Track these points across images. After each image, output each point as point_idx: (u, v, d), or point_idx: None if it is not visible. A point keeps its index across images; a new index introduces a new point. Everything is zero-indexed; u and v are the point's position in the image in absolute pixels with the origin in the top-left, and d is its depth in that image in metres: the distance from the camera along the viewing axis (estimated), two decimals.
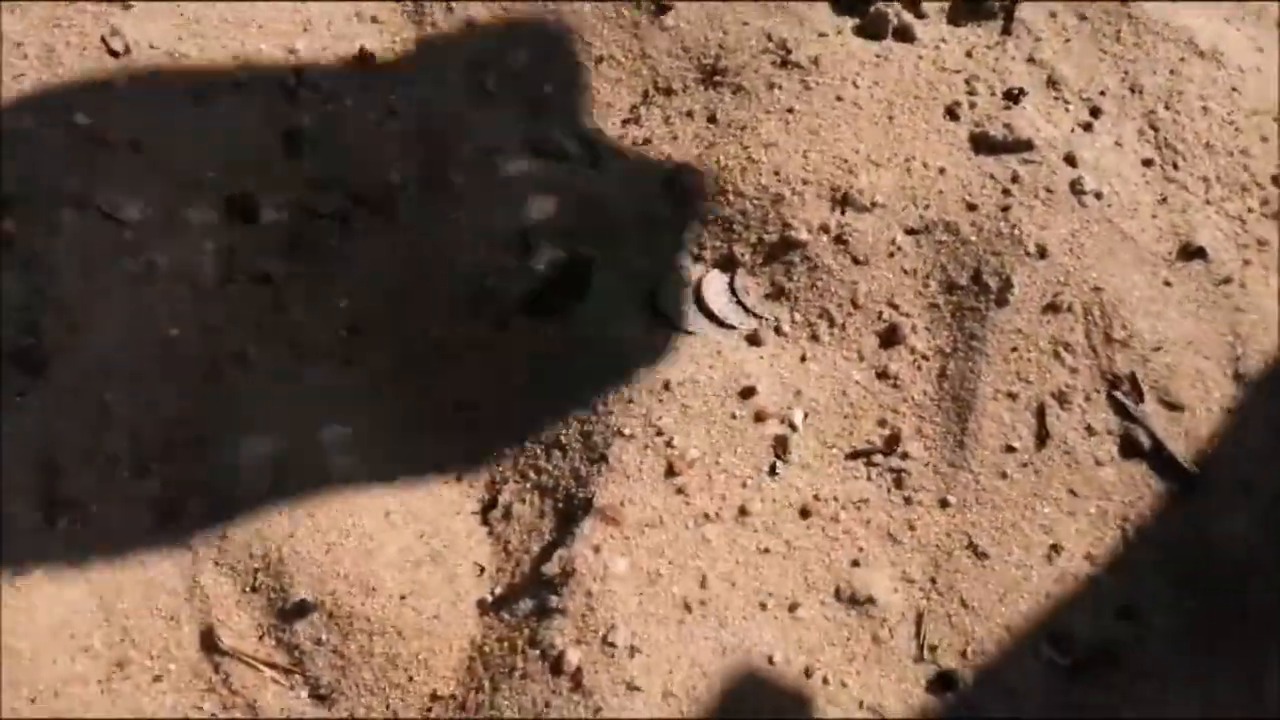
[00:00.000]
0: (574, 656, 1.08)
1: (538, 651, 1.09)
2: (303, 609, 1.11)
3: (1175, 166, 1.48)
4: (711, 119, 1.44)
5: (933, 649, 1.19)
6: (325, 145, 1.39)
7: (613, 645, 1.09)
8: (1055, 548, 1.25)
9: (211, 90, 1.38)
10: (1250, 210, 1.47)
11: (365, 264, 1.33)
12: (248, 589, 1.13)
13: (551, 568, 1.12)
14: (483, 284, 1.32)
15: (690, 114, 1.45)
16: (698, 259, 1.37)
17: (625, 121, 1.47)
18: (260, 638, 1.11)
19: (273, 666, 1.10)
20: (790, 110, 1.43)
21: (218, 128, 1.37)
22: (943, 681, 1.17)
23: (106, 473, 1.17)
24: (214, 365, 1.25)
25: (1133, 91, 1.51)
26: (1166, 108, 1.50)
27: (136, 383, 1.22)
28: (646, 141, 1.44)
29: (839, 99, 1.44)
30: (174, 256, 1.28)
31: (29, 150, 1.29)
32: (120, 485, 1.17)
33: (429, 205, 1.36)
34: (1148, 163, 1.47)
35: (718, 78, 1.47)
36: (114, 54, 1.35)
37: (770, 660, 1.14)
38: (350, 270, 1.33)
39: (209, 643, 1.10)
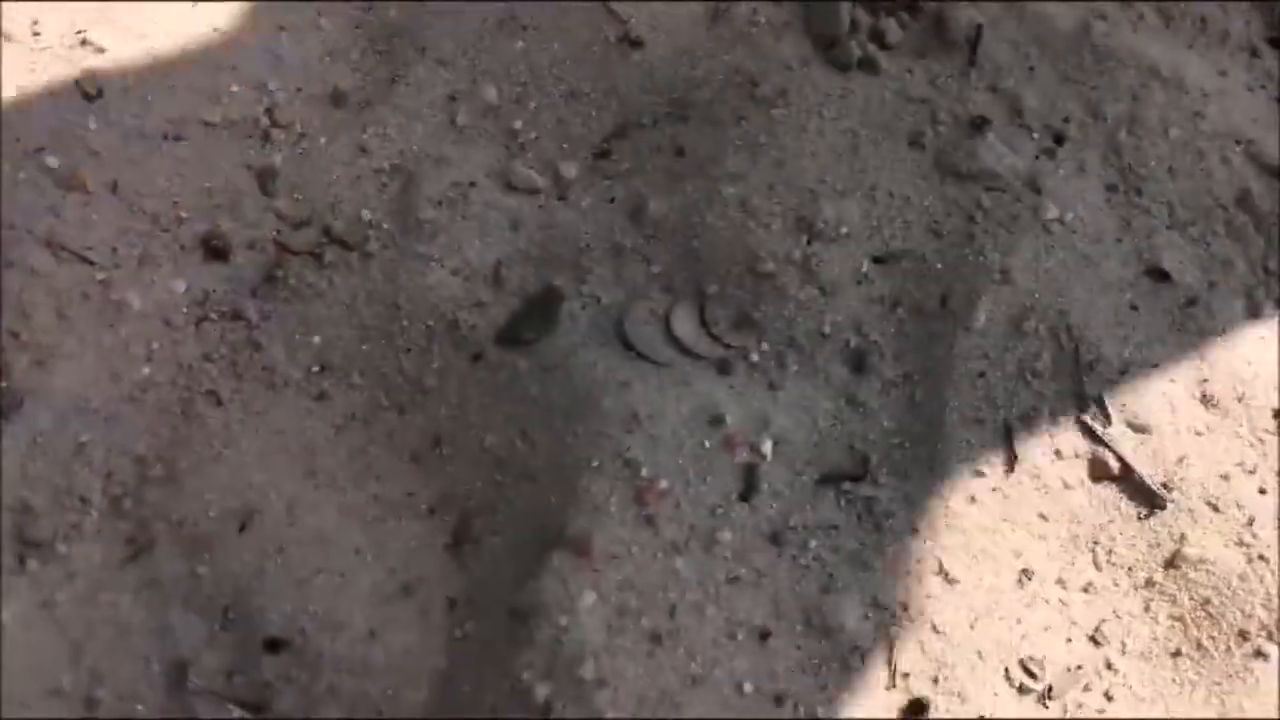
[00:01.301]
0: (542, 690, 1.08)
1: (507, 685, 1.09)
2: (272, 646, 1.11)
3: (1139, 192, 1.50)
4: (680, 152, 1.46)
5: (904, 676, 1.19)
6: (298, 183, 1.41)
7: (581, 679, 1.09)
8: (1026, 572, 1.26)
9: (185, 131, 1.39)
10: (1214, 233, 1.49)
11: (339, 300, 1.34)
12: (217, 628, 1.13)
13: (521, 600, 1.13)
14: (455, 317, 1.33)
15: (659, 148, 1.47)
16: (666, 289, 1.38)
17: (596, 155, 1.49)
18: (229, 676, 1.11)
19: (242, 705, 1.10)
20: (757, 143, 1.45)
21: (191, 167, 1.39)
22: (915, 708, 1.18)
23: (78, 513, 1.18)
24: (188, 403, 1.26)
25: (1095, 118, 1.53)
26: (1129, 133, 1.53)
27: (110, 422, 1.22)
28: (616, 175, 1.46)
29: (804, 130, 1.46)
30: (147, 296, 1.29)
31: (6, 195, 1.30)
32: (92, 525, 1.17)
33: (402, 241, 1.38)
34: (1111, 188, 1.49)
35: (687, 111, 1.49)
36: (88, 97, 1.37)
37: (740, 690, 1.14)
38: (324, 307, 1.34)
39: (178, 682, 1.10)
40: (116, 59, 1.43)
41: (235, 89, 1.43)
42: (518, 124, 1.50)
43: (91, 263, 1.29)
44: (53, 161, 1.33)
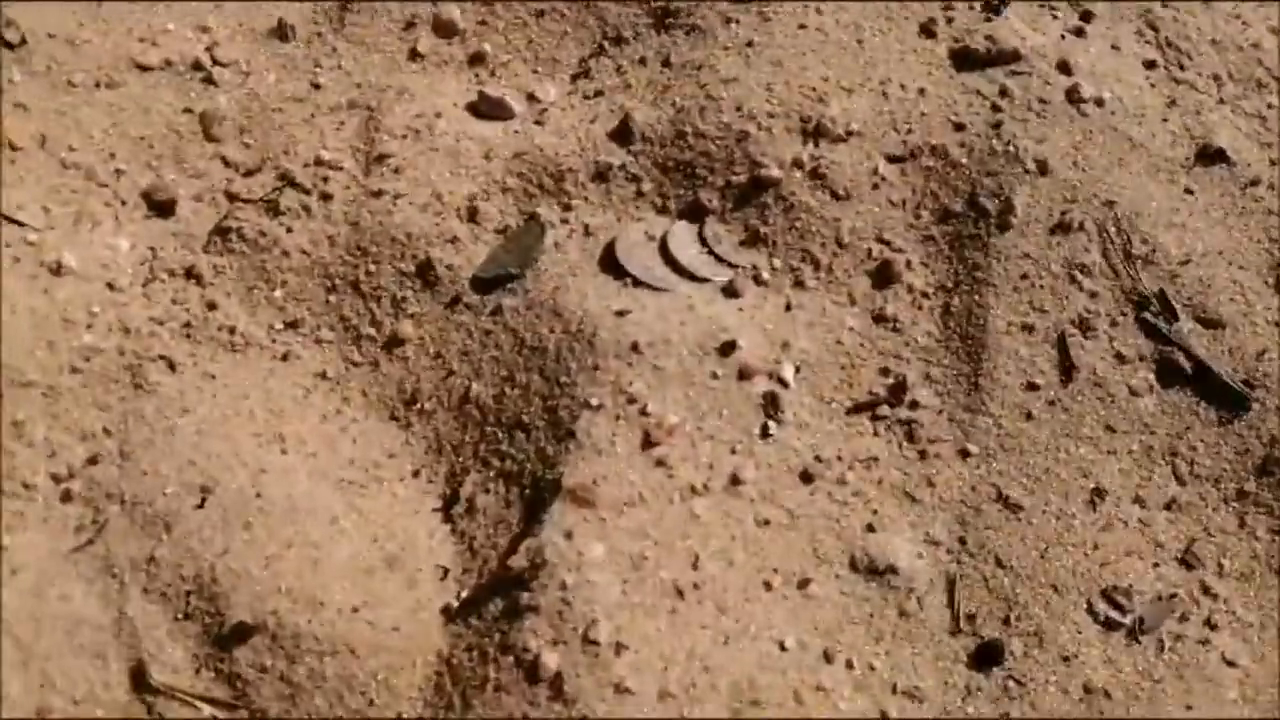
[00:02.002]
0: (552, 660, 0.94)
1: (511, 658, 0.95)
2: (242, 633, 0.97)
3: (1181, 66, 1.34)
4: (665, 63, 1.32)
5: (970, 618, 1.04)
6: (246, 126, 1.27)
7: (595, 643, 0.94)
8: (1098, 492, 1.11)
9: (118, 76, 1.26)
10: (1270, 106, 1.33)
11: (299, 249, 1.21)
12: (180, 616, 0.99)
13: (519, 560, 0.98)
14: (429, 257, 1.19)
15: (643, 60, 1.33)
16: (661, 210, 1.24)
17: (574, 76, 1.35)
18: (197, 670, 0.97)
19: (213, 702, 0.96)
20: (749, 44, 1.30)
21: (127, 116, 1.25)
22: (987, 654, 1.02)
23: (20, 500, 1.04)
24: (137, 371, 1.12)
25: None
26: (1164, 5, 1.37)
27: (50, 397, 1.09)
28: (598, 94, 1.32)
29: (801, 27, 1.31)
30: (86, 256, 1.16)
31: None
32: (36, 513, 1.04)
33: (364, 180, 1.24)
34: (1150, 64, 1.33)
35: (670, 20, 1.35)
36: (8, 45, 1.24)
37: (782, 646, 0.99)
38: (284, 258, 1.20)
39: (140, 681, 0.96)
40: (39, 3, 1.30)
41: (171, 28, 1.29)
42: (485, 48, 1.36)
43: (21, 223, 1.15)
44: None
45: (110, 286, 1.16)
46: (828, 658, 1.00)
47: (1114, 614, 1.06)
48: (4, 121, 1.19)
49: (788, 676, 0.98)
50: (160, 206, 1.21)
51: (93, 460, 1.07)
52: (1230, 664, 1.03)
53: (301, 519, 1.04)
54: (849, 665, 1.00)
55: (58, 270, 1.14)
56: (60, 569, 1.02)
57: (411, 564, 1.04)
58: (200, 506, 1.04)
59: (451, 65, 1.34)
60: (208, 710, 0.96)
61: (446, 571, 1.04)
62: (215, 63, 1.29)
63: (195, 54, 1.29)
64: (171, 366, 1.13)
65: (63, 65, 1.25)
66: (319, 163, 1.25)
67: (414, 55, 1.34)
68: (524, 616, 0.96)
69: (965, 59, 1.29)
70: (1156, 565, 1.08)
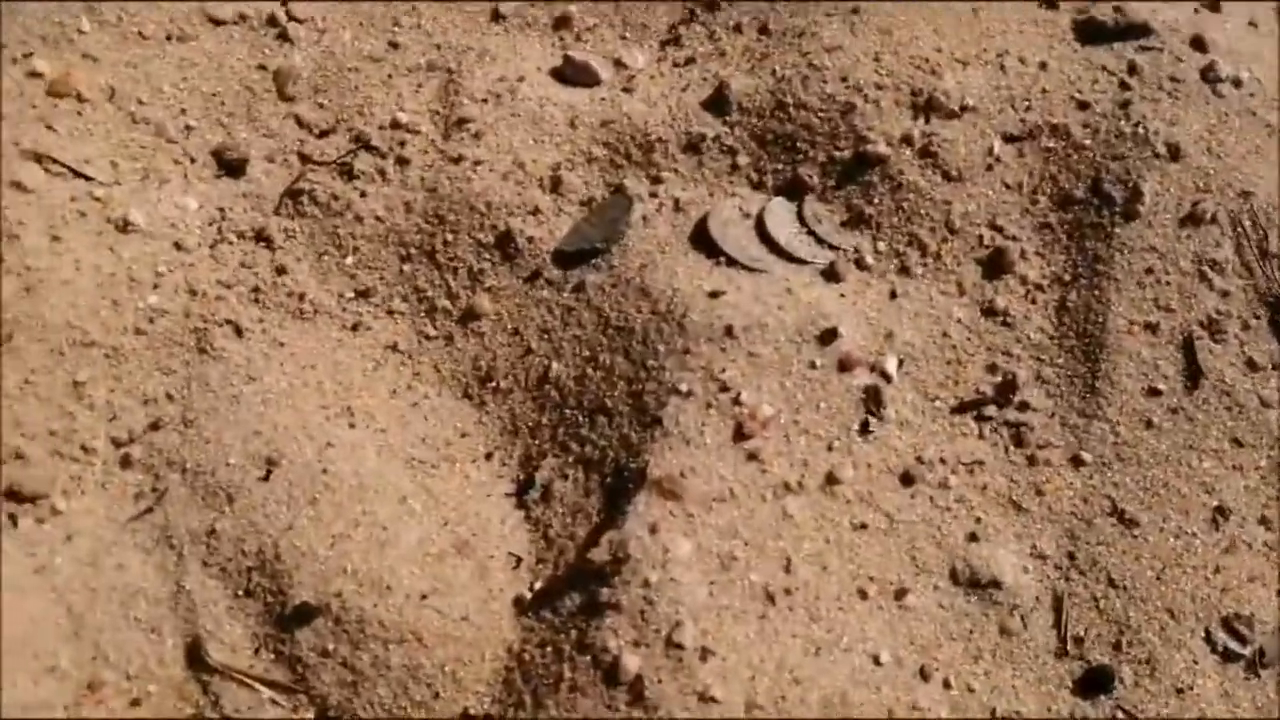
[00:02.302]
0: (632, 662, 0.87)
1: (589, 657, 0.89)
2: (305, 614, 0.92)
3: None
4: (763, 30, 1.24)
5: (1078, 641, 0.96)
6: (322, 86, 1.22)
7: (680, 647, 0.88)
8: (1221, 510, 1.02)
9: (191, 30, 1.21)
10: None
11: (373, 215, 1.15)
12: (240, 593, 0.94)
13: (600, 553, 0.92)
14: (509, 228, 1.13)
15: (738, 27, 1.25)
16: (757, 185, 1.16)
17: (664, 43, 1.27)
18: (256, 650, 0.93)
19: (271, 684, 0.91)
20: (855, 10, 1.21)
21: (199, 71, 1.20)
22: (1095, 680, 0.94)
23: (79, 463, 1.00)
24: (203, 336, 1.08)
25: None
26: None
27: (113, 358, 1.05)
28: (689, 61, 1.24)
29: None
30: (153, 214, 1.11)
31: None
32: (94, 477, 1.00)
33: (443, 145, 1.18)
34: None
35: None
36: None
37: (876, 660, 0.92)
38: (357, 224, 1.15)
39: (196, 658, 0.92)
40: None
41: None
42: (571, 10, 1.29)
43: (88, 178, 1.11)
44: (42, 66, 1.16)
45: (177, 246, 1.11)
46: (924, 675, 0.93)
47: (1234, 644, 0.97)
48: (72, 73, 1.15)
49: (881, 693, 0.91)
50: (231, 166, 1.16)
51: (155, 426, 1.03)
52: None
53: (369, 498, 0.99)
54: (946, 685, 0.93)
55: (124, 228, 1.10)
56: (117, 537, 0.98)
57: (483, 550, 0.98)
58: (265, 479, 0.99)
59: (535, 28, 1.27)
60: (266, 693, 0.91)
61: (520, 560, 0.98)
62: (291, 18, 1.23)
63: (270, 9, 1.23)
64: (238, 332, 1.09)
65: (133, 16, 1.21)
66: (396, 125, 1.19)
67: (496, 16, 1.27)
68: (604, 614, 0.90)
69: (1091, 32, 1.19)
70: None
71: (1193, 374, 1.07)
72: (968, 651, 0.94)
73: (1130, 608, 0.97)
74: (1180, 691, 0.94)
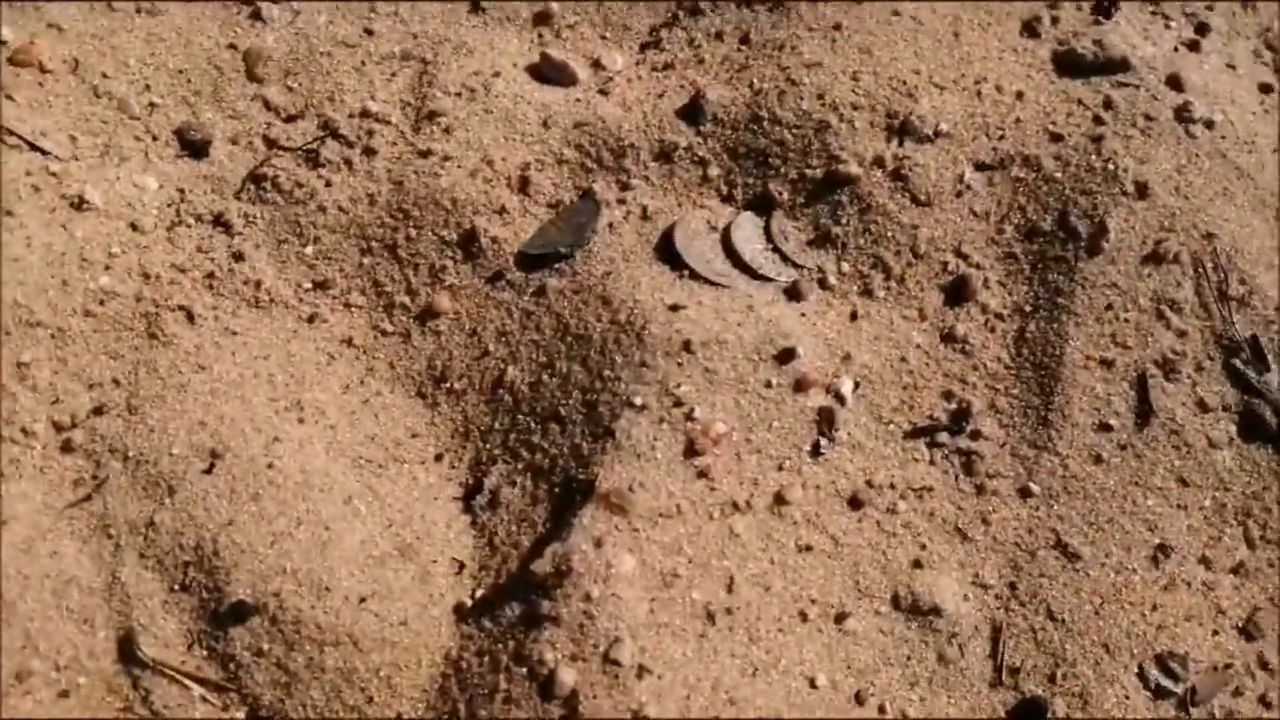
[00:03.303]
0: (569, 676, 0.87)
1: (525, 669, 0.89)
2: (240, 613, 0.91)
3: None
4: (744, 39, 1.23)
5: (1014, 671, 0.97)
6: (292, 69, 1.19)
7: (617, 663, 0.88)
8: (1163, 548, 1.03)
9: (160, 3, 1.18)
10: None
11: (337, 205, 1.13)
12: (176, 587, 0.93)
13: (543, 565, 0.91)
14: (474, 226, 1.12)
15: (719, 35, 1.24)
16: (726, 198, 1.15)
17: (644, 45, 1.26)
18: (189, 647, 0.92)
19: (203, 682, 0.90)
20: (837, 26, 1.20)
21: (167, 46, 1.18)
22: (1028, 711, 0.95)
23: (18, 446, 0.98)
24: (154, 320, 1.06)
25: (1245, 6, 1.27)
26: None
27: (60, 339, 1.03)
28: (668, 67, 1.23)
29: (895, 14, 1.21)
30: (110, 193, 1.09)
31: None
32: (33, 461, 0.98)
33: (412, 137, 1.16)
34: (1266, 88, 1.23)
35: None
36: None
37: (813, 683, 0.92)
38: (319, 213, 1.13)
39: (128, 652, 0.91)
40: None
41: None
42: (552, 7, 1.27)
43: (45, 151, 1.08)
44: (5, 34, 1.13)
45: (133, 227, 1.09)
46: (859, 700, 0.93)
47: (1166, 681, 0.99)
48: (35, 42, 1.12)
49: (815, 716, 0.91)
50: (194, 146, 1.14)
51: (98, 411, 1.01)
52: None
53: (314, 496, 0.98)
54: (881, 710, 0.93)
55: (79, 205, 1.07)
56: (53, 524, 0.96)
57: (426, 555, 0.97)
58: (208, 471, 0.97)
59: (515, 23, 1.25)
60: (197, 690, 0.90)
61: (462, 566, 0.98)
62: None
63: None
64: (190, 318, 1.07)
65: None
66: (365, 114, 1.17)
67: (475, 8, 1.25)
68: (543, 626, 0.89)
69: (1069, 64, 1.19)
70: (1216, 633, 1.00)
71: (1144, 412, 1.07)
72: (904, 677, 0.95)
73: (1067, 641, 0.98)
74: None
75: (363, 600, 0.93)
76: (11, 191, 1.05)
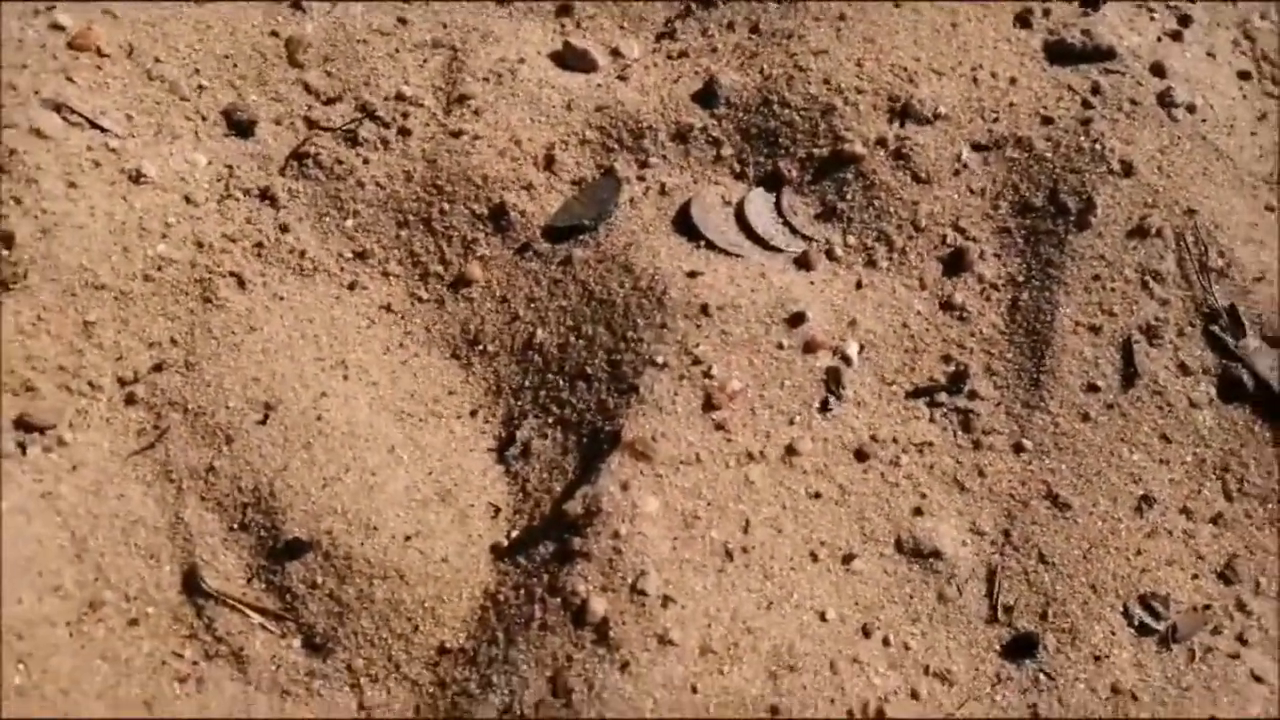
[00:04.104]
0: (599, 605, 0.95)
1: (559, 600, 0.96)
2: (296, 549, 0.99)
3: (1275, 81, 1.32)
4: (754, 29, 1.31)
5: (1008, 609, 1.05)
6: (331, 55, 1.27)
7: (643, 593, 0.96)
8: (1146, 499, 1.10)
9: None
10: None
11: (374, 182, 1.21)
12: (235, 526, 1.01)
13: (574, 506, 0.99)
14: (503, 201, 1.20)
15: (731, 25, 1.32)
16: (739, 176, 1.23)
17: (660, 36, 1.34)
18: (248, 580, 0.99)
19: (262, 611, 0.98)
20: (842, 17, 1.29)
21: (215, 33, 1.26)
22: (1021, 645, 1.03)
23: (86, 398, 1.06)
24: (208, 285, 1.14)
25: None
26: (1263, 18, 1.35)
27: (122, 301, 1.10)
28: (682, 55, 1.31)
29: (897, 5, 1.29)
30: (165, 168, 1.17)
31: (12, 53, 1.18)
32: (100, 412, 1.06)
33: (444, 119, 1.24)
34: (1244, 75, 1.31)
35: None
36: None
37: (822, 616, 1.00)
38: (358, 189, 1.21)
39: (191, 584, 0.99)
40: None
41: None
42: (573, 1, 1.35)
43: (104, 129, 1.16)
44: (64, 20, 1.21)
45: (187, 200, 1.17)
46: (865, 632, 1.01)
47: (1149, 620, 1.06)
48: (93, 28, 1.20)
49: (825, 646, 0.99)
50: (240, 126, 1.22)
51: (158, 367, 1.09)
52: (1258, 679, 1.03)
53: (360, 445, 1.05)
54: (885, 642, 1.01)
55: (137, 179, 1.15)
56: (120, 469, 1.04)
57: (464, 500, 1.05)
58: (262, 422, 1.05)
59: (538, 14, 1.33)
60: (256, 619, 0.98)
61: (498, 511, 1.05)
62: None
63: None
64: (241, 284, 1.15)
65: None
66: (400, 98, 1.25)
67: (502, 1, 1.33)
68: (574, 561, 0.97)
69: (1059, 52, 1.28)
70: (1195, 577, 1.07)
71: (1129, 374, 1.15)
72: (907, 613, 1.02)
73: (1057, 582, 1.06)
74: (1098, 659, 1.03)
75: (407, 539, 1.00)
76: (75, 165, 1.13)
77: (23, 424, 1.02)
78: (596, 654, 0.93)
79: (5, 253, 1.06)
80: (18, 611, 0.94)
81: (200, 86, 1.23)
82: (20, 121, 1.12)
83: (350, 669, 0.97)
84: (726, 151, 1.23)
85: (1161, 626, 1.05)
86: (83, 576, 0.97)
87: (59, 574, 0.97)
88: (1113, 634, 1.04)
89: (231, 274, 1.14)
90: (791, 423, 1.08)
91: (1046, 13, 1.31)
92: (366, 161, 1.22)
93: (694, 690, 0.92)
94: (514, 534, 1.03)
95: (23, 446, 1.02)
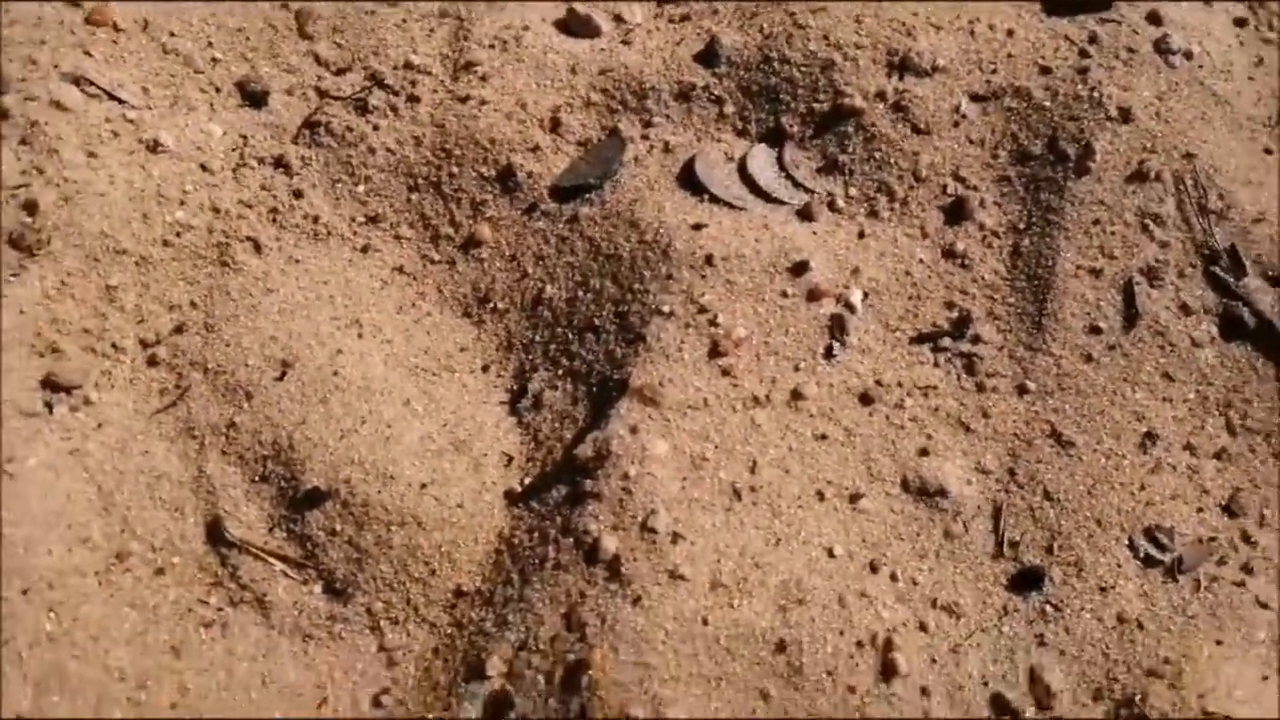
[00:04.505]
0: (611, 543, 0.97)
1: (571, 540, 0.99)
2: (315, 498, 1.02)
3: (1270, 27, 1.33)
4: None
5: (1014, 545, 1.06)
6: (340, 26, 1.30)
7: (653, 531, 0.98)
8: (1150, 436, 1.12)
9: None
10: None
11: (385, 148, 1.24)
12: (256, 478, 1.04)
13: (585, 450, 1.02)
14: (510, 163, 1.22)
15: None
16: (741, 133, 1.25)
17: (662, 1, 1.36)
18: (270, 529, 1.02)
19: (284, 559, 1.00)
20: None
21: (226, 7, 1.29)
22: (1027, 578, 1.05)
23: (109, 359, 1.09)
24: (225, 250, 1.17)
25: None
26: None
27: (143, 266, 1.14)
28: (684, 19, 1.33)
29: None
30: (181, 137, 1.20)
31: (31, 29, 1.22)
32: (123, 372, 1.09)
33: (454, 85, 1.27)
34: (1240, 22, 1.32)
35: None
36: None
37: (830, 553, 1.02)
38: (369, 155, 1.24)
39: (215, 534, 1.02)
40: None
41: None
42: None
43: (122, 100, 1.20)
44: None
45: (203, 168, 1.20)
46: (873, 568, 1.03)
47: (1154, 551, 1.07)
48: (109, 4, 1.23)
49: (834, 581, 1.01)
50: (253, 96, 1.25)
51: (179, 329, 1.12)
52: (1263, 606, 1.05)
53: (375, 399, 1.08)
54: (893, 577, 1.03)
55: (154, 148, 1.18)
56: (144, 427, 1.07)
57: (478, 449, 1.08)
58: (280, 379, 1.08)
59: None
60: (279, 566, 1.00)
61: (511, 459, 1.08)
62: None
63: None
64: (257, 248, 1.18)
65: None
66: (408, 66, 1.28)
67: None
68: (586, 502, 1.00)
69: (1056, 4, 1.29)
70: (1200, 510, 1.09)
71: (1131, 315, 1.17)
72: (914, 550, 1.04)
73: (1062, 517, 1.07)
74: (1103, 590, 1.04)
75: (423, 486, 1.03)
76: (95, 136, 1.16)
77: (50, 384, 1.06)
78: (609, 590, 0.95)
79: (29, 220, 1.09)
80: (48, 562, 0.97)
81: (214, 59, 1.26)
82: (41, 95, 1.15)
83: (370, 612, 1.00)
84: (729, 109, 1.26)
85: (1167, 558, 1.07)
86: (110, 529, 1.00)
87: (87, 526, 1.00)
88: (1118, 566, 1.05)
89: (248, 239, 1.17)
90: (797, 368, 1.10)
91: None
92: (376, 128, 1.25)
93: (704, 623, 0.94)
94: (527, 481, 1.06)
95: (50, 406, 1.05)
